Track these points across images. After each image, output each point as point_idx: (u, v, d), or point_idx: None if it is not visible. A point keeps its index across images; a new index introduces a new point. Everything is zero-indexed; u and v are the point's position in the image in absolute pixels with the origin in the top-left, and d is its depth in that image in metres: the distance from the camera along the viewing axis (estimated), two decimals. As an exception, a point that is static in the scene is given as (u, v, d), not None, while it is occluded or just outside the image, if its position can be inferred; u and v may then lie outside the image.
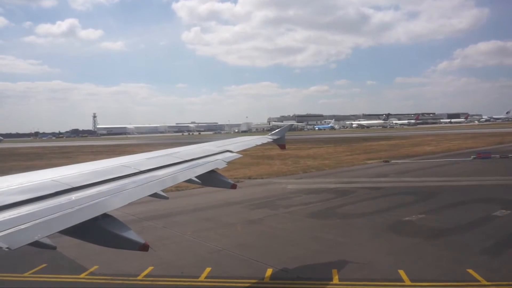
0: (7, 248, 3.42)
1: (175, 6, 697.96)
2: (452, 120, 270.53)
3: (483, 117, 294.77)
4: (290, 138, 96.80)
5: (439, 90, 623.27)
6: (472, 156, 40.36)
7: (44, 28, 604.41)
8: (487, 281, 10.28)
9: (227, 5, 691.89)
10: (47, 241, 5.44)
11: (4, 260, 12.22)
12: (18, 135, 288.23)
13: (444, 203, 20.12)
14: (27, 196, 4.46)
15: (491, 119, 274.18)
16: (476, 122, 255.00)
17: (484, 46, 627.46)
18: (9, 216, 3.92)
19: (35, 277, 11.68)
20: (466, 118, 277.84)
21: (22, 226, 3.78)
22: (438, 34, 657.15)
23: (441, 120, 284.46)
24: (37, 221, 3.94)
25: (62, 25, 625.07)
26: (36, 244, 4.04)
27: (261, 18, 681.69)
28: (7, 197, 4.38)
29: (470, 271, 10.92)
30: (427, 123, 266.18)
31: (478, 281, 10.35)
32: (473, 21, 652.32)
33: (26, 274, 11.83)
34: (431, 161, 40.09)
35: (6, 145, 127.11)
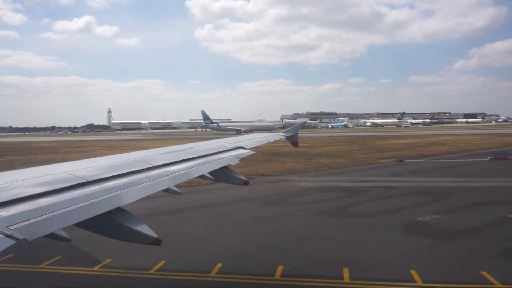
0: (23, 239, 3.49)
1: (188, 3, 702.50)
2: (469, 120, 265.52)
3: (501, 117, 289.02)
4: (303, 135, 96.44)
5: (455, 89, 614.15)
6: (488, 157, 39.63)
7: (61, 24, 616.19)
8: (502, 284, 10.11)
9: (240, 2, 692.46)
10: (62, 233, 5.55)
11: (20, 252, 12.47)
12: (35, 129, 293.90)
13: (459, 204, 19.81)
14: (43, 189, 4.54)
15: (509, 119, 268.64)
16: (494, 122, 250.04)
17: (501, 45, 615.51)
18: (26, 208, 4.00)
19: (51, 269, 11.92)
20: (483, 118, 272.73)
21: (39, 218, 3.86)
22: (454, 33, 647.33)
23: (457, 120, 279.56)
24: (52, 214, 4.02)
25: (78, 22, 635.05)
26: (52, 236, 4.12)
27: (274, 15, 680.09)
28: (24, 189, 4.47)
29: (484, 273, 10.75)
30: (442, 123, 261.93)
31: (492, 283, 10.18)
32: (490, 19, 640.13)
33: (41, 266, 12.09)
34: (446, 161, 39.50)
35: (24, 139, 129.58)
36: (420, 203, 20.25)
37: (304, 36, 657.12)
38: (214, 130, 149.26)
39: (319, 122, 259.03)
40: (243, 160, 9.26)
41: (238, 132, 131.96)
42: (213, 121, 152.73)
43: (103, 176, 5.46)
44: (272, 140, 13.51)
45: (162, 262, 12.04)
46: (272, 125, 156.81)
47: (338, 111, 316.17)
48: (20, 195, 4.23)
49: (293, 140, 15.12)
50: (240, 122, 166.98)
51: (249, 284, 10.71)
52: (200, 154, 8.21)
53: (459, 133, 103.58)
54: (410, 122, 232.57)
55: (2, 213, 3.78)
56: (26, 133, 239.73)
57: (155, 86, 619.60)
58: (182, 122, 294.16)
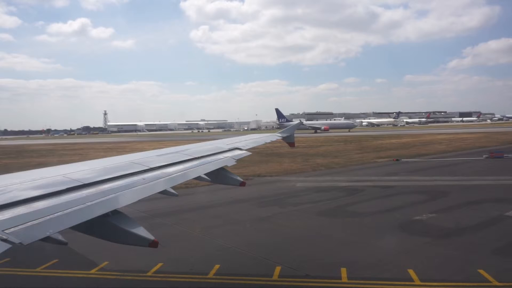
0: (19, 243, 3.47)
1: (183, 4, 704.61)
2: (464, 118, 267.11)
3: (496, 115, 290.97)
4: (300, 136, 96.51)
5: (450, 88, 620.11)
6: (484, 156, 39.83)
7: (56, 27, 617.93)
8: (499, 281, 10.15)
9: (235, 3, 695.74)
10: (59, 236, 5.51)
11: (16, 255, 12.41)
12: (30, 132, 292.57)
13: (455, 203, 19.88)
14: (39, 192, 4.52)
15: (504, 118, 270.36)
16: (489, 121, 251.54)
17: (495, 44, 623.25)
18: (22, 211, 3.97)
19: (47, 272, 11.84)
20: (478, 116, 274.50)
21: (34, 222, 3.83)
22: (448, 32, 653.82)
23: (453, 119, 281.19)
24: (48, 217, 3.99)
25: (73, 24, 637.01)
26: (48, 239, 4.09)
27: (269, 16, 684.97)
28: (20, 192, 4.45)
29: (481, 271, 10.79)
30: (438, 122, 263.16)
31: (490, 281, 10.21)
32: (484, 19, 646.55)
33: (38, 269, 12.01)
34: (442, 160, 39.66)
35: (19, 142, 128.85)
36: (416, 202, 20.31)
37: (299, 37, 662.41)
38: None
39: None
40: (240, 161, 9.26)
41: (315, 130, 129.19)
42: (288, 120, 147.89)
43: (100, 178, 5.44)
44: (268, 141, 13.50)
45: (159, 264, 12.00)
46: (353, 123, 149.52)
47: (334, 111, 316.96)
48: (16, 199, 4.20)
49: (289, 140, 15.12)
50: (321, 121, 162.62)
51: (247, 285, 10.69)
52: (196, 156, 8.20)
53: (455, 132, 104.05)
54: (406, 122, 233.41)
55: (-3, 217, 3.75)
56: (30, 136, 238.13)
57: (151, 88, 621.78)
58: (179, 124, 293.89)
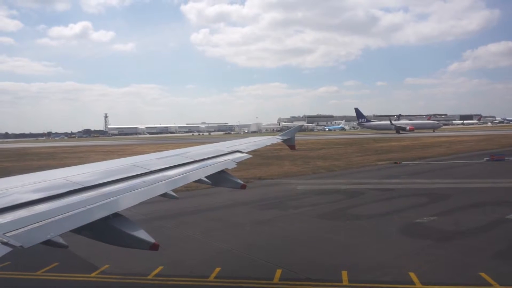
0: (20, 246, 3.47)
1: (184, 8, 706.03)
2: (465, 121, 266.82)
3: (497, 118, 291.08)
4: (300, 138, 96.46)
5: (451, 91, 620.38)
6: (485, 158, 39.78)
7: (57, 30, 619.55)
8: (500, 285, 10.12)
9: (235, 7, 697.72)
10: (59, 240, 5.52)
11: (17, 259, 12.39)
12: (31, 135, 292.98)
13: (456, 205, 19.85)
14: (39, 195, 4.52)
15: (505, 121, 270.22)
16: (489, 123, 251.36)
17: (494, 47, 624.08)
18: (23, 214, 3.98)
19: (47, 276, 11.83)
20: (479, 119, 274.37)
21: (35, 225, 3.84)
22: (448, 35, 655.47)
23: (453, 122, 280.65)
24: (49, 220, 4.00)
25: (74, 28, 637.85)
26: (49, 242, 4.10)
27: (269, 20, 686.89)
28: (21, 195, 4.45)
29: (483, 274, 10.76)
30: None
31: (491, 284, 10.18)
32: (484, 22, 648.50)
33: (38, 273, 11.99)
34: (443, 163, 39.60)
35: (20, 145, 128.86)
36: (417, 205, 20.28)
37: (300, 40, 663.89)
38: (367, 129, 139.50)
39: (316, 125, 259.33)
40: (240, 163, 9.27)
41: (398, 131, 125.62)
42: (369, 120, 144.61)
43: (100, 181, 5.44)
44: (269, 143, 13.49)
45: (160, 268, 11.98)
46: (438, 123, 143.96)
47: (335, 114, 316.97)
48: (17, 202, 4.21)
49: (290, 143, 15.12)
50: (405, 121, 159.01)
51: (247, 288, 10.68)
52: (197, 158, 8.20)
53: (456, 134, 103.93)
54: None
55: (-2, 220, 3.76)
56: (38, 139, 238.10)
57: (152, 91, 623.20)
58: (179, 127, 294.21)
